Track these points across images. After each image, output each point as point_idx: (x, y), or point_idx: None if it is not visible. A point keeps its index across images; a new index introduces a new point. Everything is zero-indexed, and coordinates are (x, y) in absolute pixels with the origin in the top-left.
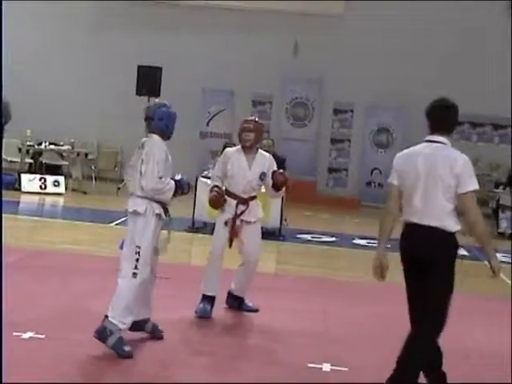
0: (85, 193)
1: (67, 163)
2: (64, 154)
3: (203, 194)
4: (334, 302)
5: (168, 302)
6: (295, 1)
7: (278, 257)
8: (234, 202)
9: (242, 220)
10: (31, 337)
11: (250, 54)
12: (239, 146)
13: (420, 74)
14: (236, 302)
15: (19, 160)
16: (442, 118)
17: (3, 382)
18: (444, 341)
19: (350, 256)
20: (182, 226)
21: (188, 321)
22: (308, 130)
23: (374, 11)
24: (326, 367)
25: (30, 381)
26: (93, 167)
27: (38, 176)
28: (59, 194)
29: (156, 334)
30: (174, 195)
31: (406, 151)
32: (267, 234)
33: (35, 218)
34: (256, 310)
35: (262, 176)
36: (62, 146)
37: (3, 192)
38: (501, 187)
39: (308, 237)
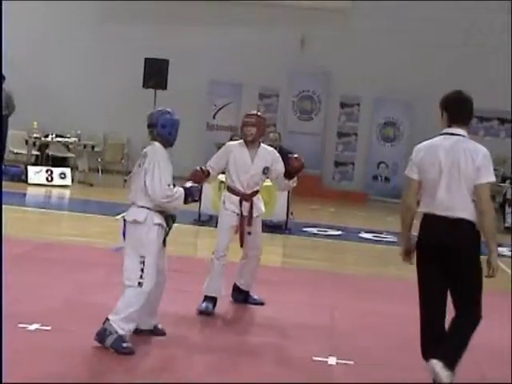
0: (91, 185)
1: (74, 155)
2: (70, 146)
3: (209, 187)
4: (341, 296)
5: (174, 296)
6: None
7: (284, 250)
8: (237, 199)
9: (245, 216)
10: (37, 328)
11: (257, 47)
12: (242, 140)
13: (426, 68)
14: (241, 296)
15: (26, 152)
16: (462, 111)
17: (3, 381)
18: None
19: (356, 250)
20: (188, 218)
21: (193, 315)
22: (314, 124)
23: (381, 5)
24: (332, 361)
25: (36, 372)
26: (99, 159)
27: (45, 168)
28: (65, 186)
29: (156, 331)
30: (185, 202)
31: (425, 144)
32: (273, 228)
33: (41, 210)
34: (262, 303)
35: (265, 170)
36: (69, 138)
37: (10, 184)
38: (507, 181)
39: (314, 230)
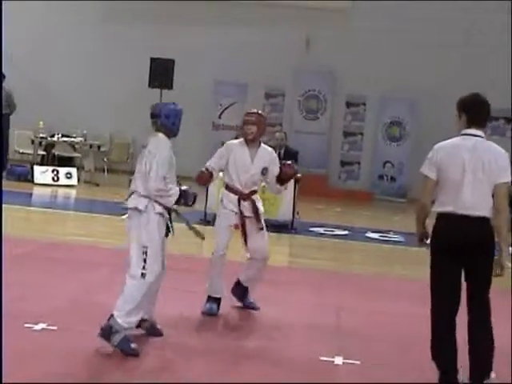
0: (97, 185)
1: (80, 155)
2: (76, 146)
3: (214, 187)
4: (347, 295)
5: (179, 295)
6: None
7: (290, 250)
8: (235, 197)
9: (247, 217)
10: (43, 328)
11: (263, 47)
12: (242, 139)
13: (432, 67)
14: (240, 291)
15: (32, 152)
16: (480, 113)
17: (3, 381)
18: None
19: (362, 249)
20: (194, 218)
21: (199, 314)
22: (320, 123)
23: (386, 5)
24: (339, 360)
25: (37, 373)
26: (105, 159)
27: (51, 168)
28: (71, 186)
29: (154, 332)
30: (177, 203)
31: (444, 144)
32: (279, 227)
33: (47, 209)
34: (257, 308)
35: (264, 171)
36: (75, 137)
37: (16, 184)
38: None
39: (320, 230)
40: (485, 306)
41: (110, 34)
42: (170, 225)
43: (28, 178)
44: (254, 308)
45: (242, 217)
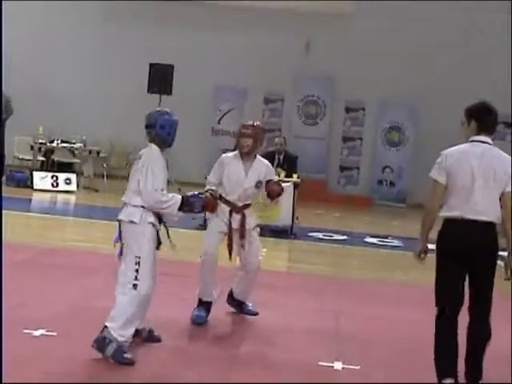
0: (96, 191)
1: (79, 161)
2: (76, 152)
3: None
4: (346, 301)
5: (175, 301)
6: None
7: (289, 255)
8: (227, 209)
9: (236, 230)
10: (42, 334)
11: (262, 52)
12: (237, 152)
13: (431, 72)
14: (235, 303)
15: (31, 157)
16: (489, 120)
17: (3, 381)
18: None
19: (361, 254)
20: (193, 224)
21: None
22: (320, 128)
23: (386, 9)
24: (338, 365)
25: (41, 378)
26: (104, 165)
27: (50, 174)
28: (71, 192)
29: (152, 338)
30: (181, 210)
31: (454, 149)
32: (278, 232)
33: (47, 215)
34: (255, 314)
35: (259, 184)
36: (74, 143)
37: (15, 189)
38: None
39: (319, 235)
40: (487, 309)
41: (109, 41)
42: (168, 235)
43: (27, 183)
44: (253, 314)
45: (230, 229)
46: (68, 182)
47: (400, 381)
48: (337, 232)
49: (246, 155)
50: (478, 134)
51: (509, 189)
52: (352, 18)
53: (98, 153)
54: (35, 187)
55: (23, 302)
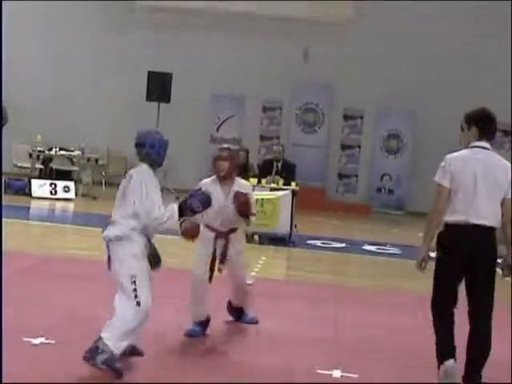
0: (95, 198)
1: (77, 168)
2: (74, 160)
3: None
4: (345, 309)
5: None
6: (305, 7)
7: (288, 263)
8: (212, 235)
9: (221, 255)
10: (42, 342)
11: (261, 60)
12: (215, 176)
13: (429, 80)
14: (236, 313)
15: (29, 165)
16: (490, 126)
17: (3, 381)
18: None
19: (360, 262)
20: None
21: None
22: (318, 136)
23: (384, 18)
24: (336, 373)
25: None
26: (103, 172)
27: (49, 181)
28: (69, 200)
29: (135, 352)
30: (182, 215)
31: (457, 155)
32: (277, 240)
33: (45, 223)
34: (256, 322)
35: None
36: (72, 151)
37: (14, 197)
38: None
39: (318, 243)
40: (488, 313)
41: (107, 49)
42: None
43: (26, 191)
44: (252, 323)
45: (214, 256)
46: (66, 189)
47: None
48: (335, 240)
49: (224, 179)
50: (478, 139)
51: (509, 196)
52: (350, 26)
53: (97, 160)
54: (33, 195)
55: (22, 310)
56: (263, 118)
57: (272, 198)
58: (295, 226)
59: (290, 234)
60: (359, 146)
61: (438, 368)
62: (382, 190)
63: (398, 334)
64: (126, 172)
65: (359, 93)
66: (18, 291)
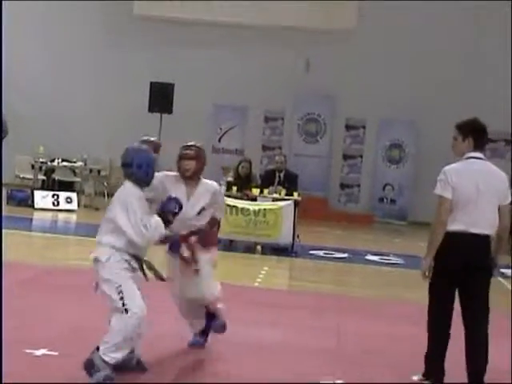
0: (97, 209)
1: (80, 180)
2: (77, 171)
3: None
4: (347, 319)
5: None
6: (306, 17)
7: (290, 273)
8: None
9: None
10: (44, 354)
11: (262, 70)
12: (178, 175)
13: (432, 90)
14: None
15: (32, 177)
16: (485, 138)
17: (3, 382)
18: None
19: (362, 272)
20: None
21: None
22: (320, 146)
23: (386, 28)
24: None
25: None
26: (105, 183)
27: (51, 193)
28: (72, 211)
29: (141, 367)
30: (168, 224)
31: (455, 166)
32: (279, 251)
33: (48, 234)
34: (223, 331)
35: (203, 211)
36: (75, 162)
37: (16, 209)
38: None
39: (320, 253)
40: (486, 318)
41: (109, 60)
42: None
43: (28, 202)
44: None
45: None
46: (69, 200)
47: None
48: (338, 250)
49: (189, 179)
50: (474, 150)
51: (506, 202)
52: (351, 36)
53: (99, 171)
54: (36, 206)
55: (24, 321)
56: (265, 128)
57: (274, 208)
58: (297, 236)
59: (293, 244)
60: (361, 156)
61: (423, 375)
62: (385, 200)
63: (401, 344)
64: None
65: (361, 103)
66: (20, 302)
